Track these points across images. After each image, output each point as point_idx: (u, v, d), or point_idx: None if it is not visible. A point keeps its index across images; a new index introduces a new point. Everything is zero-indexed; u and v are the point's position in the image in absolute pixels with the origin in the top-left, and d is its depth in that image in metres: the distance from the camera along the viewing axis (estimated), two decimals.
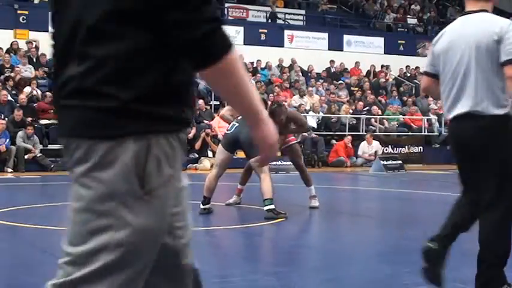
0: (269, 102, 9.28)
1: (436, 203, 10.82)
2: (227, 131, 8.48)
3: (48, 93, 18.43)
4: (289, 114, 9.17)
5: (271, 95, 22.10)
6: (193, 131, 18.53)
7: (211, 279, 5.04)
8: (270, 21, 27.84)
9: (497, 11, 26.96)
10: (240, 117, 8.06)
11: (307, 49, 26.98)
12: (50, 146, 17.50)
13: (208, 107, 20.92)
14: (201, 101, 20.61)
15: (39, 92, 18.92)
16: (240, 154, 18.80)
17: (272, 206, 8.03)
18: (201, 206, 8.36)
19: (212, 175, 8.50)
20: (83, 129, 1.94)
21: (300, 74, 25.32)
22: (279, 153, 9.34)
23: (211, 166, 17.78)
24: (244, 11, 27.37)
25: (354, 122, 22.01)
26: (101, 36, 1.87)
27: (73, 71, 1.91)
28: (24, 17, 22.82)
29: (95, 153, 1.92)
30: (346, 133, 21.02)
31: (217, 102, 21.88)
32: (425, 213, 9.16)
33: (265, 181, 8.18)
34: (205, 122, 19.39)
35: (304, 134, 20.18)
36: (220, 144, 8.63)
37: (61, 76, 1.96)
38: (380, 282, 5.09)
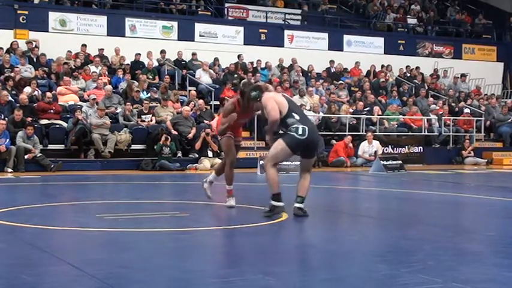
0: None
1: (436, 203, 10.83)
2: (299, 135, 8.24)
3: (48, 93, 18.44)
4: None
5: None
6: (193, 131, 18.54)
7: (211, 279, 5.05)
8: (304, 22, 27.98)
9: (496, 11, 27.06)
10: (299, 119, 8.21)
11: (307, 49, 26.98)
12: (50, 146, 17.52)
13: (209, 107, 20.92)
14: (201, 101, 20.63)
15: (39, 92, 18.92)
16: (241, 154, 18.82)
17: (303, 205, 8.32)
18: (278, 204, 8.27)
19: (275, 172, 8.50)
20: None
21: (300, 74, 25.32)
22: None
23: (212, 166, 17.83)
24: (244, 11, 27.35)
25: (354, 122, 22.01)
26: None
27: None
28: (24, 17, 22.82)
29: None
30: (346, 133, 21.02)
31: (217, 102, 21.88)
32: (425, 214, 9.16)
33: (308, 180, 8.58)
34: (206, 122, 19.39)
35: None
36: (286, 145, 8.30)
37: None
38: (379, 282, 5.09)
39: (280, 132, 8.37)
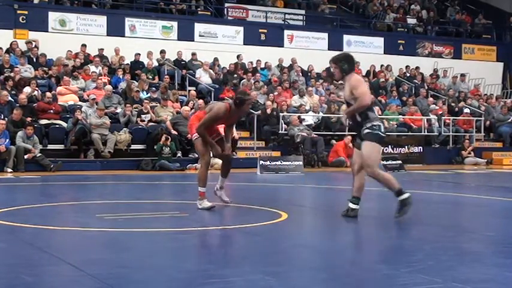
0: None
1: (436, 203, 10.82)
2: (383, 133, 8.11)
3: (47, 93, 18.45)
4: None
5: (271, 94, 22.12)
6: None
7: (211, 279, 5.04)
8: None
9: (496, 11, 27.08)
10: (376, 115, 8.18)
11: (307, 49, 26.99)
12: (50, 146, 17.52)
13: None
14: (200, 101, 20.62)
15: (39, 92, 18.92)
16: (241, 154, 18.83)
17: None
18: (405, 196, 8.09)
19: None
20: None
21: (300, 74, 25.32)
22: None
23: (211, 166, 17.76)
24: (244, 11, 27.36)
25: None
26: None
27: None
28: (24, 17, 22.82)
29: None
30: (346, 133, 21.00)
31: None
32: (425, 214, 9.15)
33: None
34: None
35: (304, 134, 20.22)
36: (379, 145, 8.12)
37: None
38: (379, 282, 5.09)
39: (358, 120, 8.07)
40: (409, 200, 8.00)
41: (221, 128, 9.33)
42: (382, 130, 8.08)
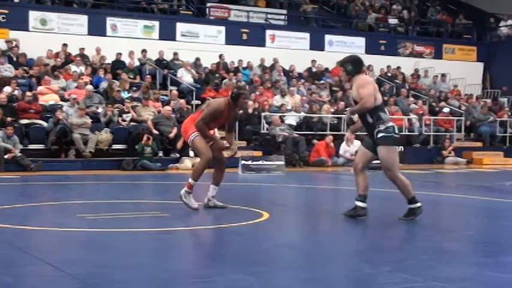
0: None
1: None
2: (397, 135, 8.11)
3: (28, 93, 18.34)
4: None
5: (253, 94, 22.12)
6: (174, 130, 18.50)
7: (193, 279, 5.04)
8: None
9: (476, 11, 27.20)
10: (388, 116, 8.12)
11: (289, 49, 26.99)
12: (30, 146, 17.42)
13: (190, 107, 20.88)
14: (182, 101, 20.59)
15: (20, 92, 18.80)
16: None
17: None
18: (416, 205, 8.18)
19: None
20: None
21: (282, 73, 25.34)
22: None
23: (193, 165, 17.79)
24: (226, 10, 27.34)
25: (335, 121, 22.07)
26: None
27: None
28: (4, 16, 22.67)
29: None
30: (328, 133, 21.07)
31: (199, 102, 21.84)
32: (403, 212, 9.18)
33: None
34: None
35: (285, 133, 20.24)
36: (395, 148, 8.22)
37: None
38: (360, 281, 5.11)
39: (370, 121, 8.02)
40: (419, 211, 8.14)
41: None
42: (396, 131, 8.11)
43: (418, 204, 8.15)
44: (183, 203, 8.76)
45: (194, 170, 8.91)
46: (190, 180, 8.77)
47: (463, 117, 24.82)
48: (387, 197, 10.70)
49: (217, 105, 8.78)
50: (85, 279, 4.87)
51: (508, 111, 26.73)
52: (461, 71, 29.73)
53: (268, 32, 27.16)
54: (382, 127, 7.91)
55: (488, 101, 28.14)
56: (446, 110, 24.89)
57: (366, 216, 8.18)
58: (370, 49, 28.82)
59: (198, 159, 17.63)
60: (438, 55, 30.60)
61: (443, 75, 28.82)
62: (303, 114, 22.16)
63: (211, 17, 27.04)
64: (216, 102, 8.93)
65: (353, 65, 8.20)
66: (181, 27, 25.51)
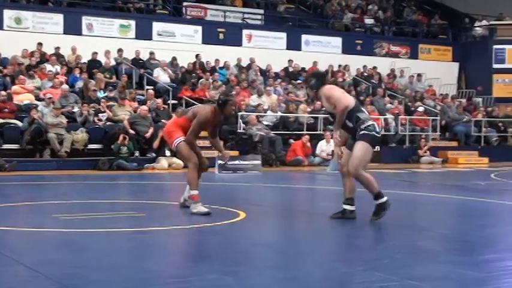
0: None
1: (392, 202, 10.91)
2: (377, 133, 8.00)
3: (2, 92, 18.18)
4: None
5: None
6: (151, 130, 18.45)
7: (169, 279, 5.03)
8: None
9: (452, 11, 27.40)
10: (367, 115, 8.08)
11: (266, 48, 27.02)
12: (5, 146, 17.28)
13: (166, 106, 20.82)
14: (159, 100, 20.52)
15: None
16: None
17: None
18: (382, 200, 8.00)
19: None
20: None
21: (258, 73, 25.36)
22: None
23: (169, 165, 17.77)
24: (203, 10, 27.30)
25: (312, 121, 22.12)
26: None
27: None
28: None
29: None
30: (304, 132, 21.11)
31: (175, 102, 21.80)
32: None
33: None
34: (163, 121, 19.27)
35: (262, 133, 20.26)
36: (370, 146, 7.93)
37: None
38: (336, 280, 5.13)
39: (350, 125, 7.92)
40: (386, 205, 7.98)
41: None
42: (377, 130, 8.04)
43: (385, 199, 7.99)
44: (194, 214, 8.45)
45: (189, 181, 8.64)
46: (191, 192, 8.60)
47: (438, 117, 24.99)
48: (363, 196, 10.74)
49: (205, 116, 8.56)
50: (60, 280, 4.84)
51: (482, 111, 26.95)
52: (436, 71, 29.94)
53: (245, 32, 27.16)
54: (362, 126, 7.88)
55: (464, 100, 28.38)
56: (421, 109, 25.04)
57: (355, 219, 8.15)
58: (347, 49, 28.96)
59: (174, 159, 17.75)
60: (414, 55, 30.80)
61: (419, 75, 29.01)
62: (279, 114, 22.19)
63: (187, 17, 26.98)
64: (203, 113, 8.61)
65: (315, 79, 8.20)
66: (157, 26, 25.44)
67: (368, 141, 7.88)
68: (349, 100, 7.96)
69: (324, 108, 21.31)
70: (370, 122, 7.96)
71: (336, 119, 7.95)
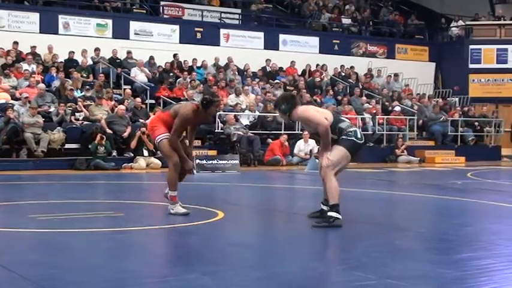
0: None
1: (370, 201, 10.98)
2: (358, 139, 7.83)
3: None
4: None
5: None
6: (128, 129, 18.38)
7: (147, 279, 5.01)
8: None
9: (428, 11, 27.63)
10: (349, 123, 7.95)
11: (243, 48, 27.03)
12: None
13: (144, 106, 20.75)
14: (138, 99, 20.45)
15: None
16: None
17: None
18: (338, 216, 7.60)
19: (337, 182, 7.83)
20: None
21: (236, 73, 25.35)
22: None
23: (147, 165, 17.72)
24: (180, 9, 27.23)
25: (290, 121, 22.11)
26: None
27: None
28: None
29: None
30: (282, 132, 21.14)
31: (153, 101, 21.74)
32: (358, 211, 9.26)
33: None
34: (141, 120, 19.22)
35: (240, 133, 20.27)
36: (347, 151, 7.74)
37: None
38: (314, 279, 5.13)
39: (334, 137, 7.76)
40: (339, 222, 7.53)
41: None
42: (359, 136, 7.86)
43: (339, 216, 7.54)
44: (172, 215, 8.32)
45: (168, 181, 8.46)
46: (170, 193, 8.42)
47: (415, 117, 25.13)
48: (343, 196, 10.80)
49: (186, 114, 8.27)
50: (38, 281, 4.80)
51: (459, 110, 27.15)
52: (413, 70, 30.12)
53: (223, 31, 27.15)
54: (344, 133, 7.78)
55: (440, 100, 28.57)
56: (397, 108, 25.16)
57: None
58: (324, 49, 29.04)
59: (152, 159, 17.70)
60: (391, 55, 30.96)
61: (396, 74, 29.17)
62: (257, 113, 22.20)
63: (165, 16, 26.90)
64: (184, 111, 8.30)
65: (285, 103, 7.93)
66: (134, 25, 25.35)
67: (345, 146, 7.75)
68: (327, 116, 7.78)
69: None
70: (352, 129, 7.85)
71: (322, 147, 7.81)
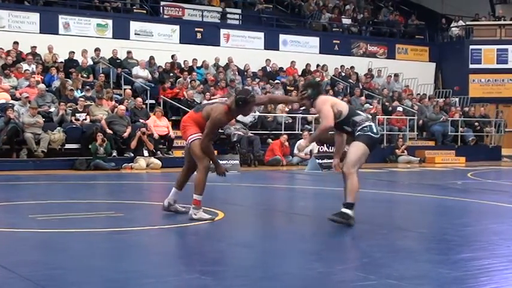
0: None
1: (371, 201, 10.96)
2: (375, 134, 7.87)
3: None
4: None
5: (207, 93, 22.08)
6: (128, 129, 18.37)
7: (147, 279, 5.00)
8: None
9: (429, 12, 27.65)
10: (364, 116, 7.97)
11: (243, 48, 27.03)
12: None
13: (144, 106, 20.73)
14: (139, 99, 20.44)
15: None
16: (177, 153, 18.61)
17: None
18: (352, 214, 7.67)
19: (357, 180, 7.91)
20: None
21: (236, 73, 25.34)
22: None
23: (147, 165, 17.71)
24: (180, 9, 27.23)
25: (290, 121, 22.15)
26: None
27: None
28: None
29: None
30: (282, 132, 21.14)
31: (153, 101, 21.73)
32: (359, 211, 9.24)
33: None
34: (141, 121, 19.22)
35: (240, 133, 20.27)
36: (366, 147, 7.77)
37: None
38: (315, 280, 5.13)
39: (349, 130, 7.87)
40: (349, 221, 7.66)
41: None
42: (375, 131, 7.90)
43: (353, 215, 7.69)
44: (195, 220, 8.01)
45: (197, 184, 8.10)
46: (195, 196, 8.07)
47: (415, 117, 25.12)
48: (339, 196, 10.80)
49: (219, 120, 8.02)
50: (37, 281, 4.80)
51: (459, 110, 27.14)
52: (413, 71, 30.11)
53: (223, 32, 27.14)
54: (358, 128, 7.84)
55: (441, 100, 28.56)
56: (399, 109, 25.17)
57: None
58: (324, 49, 29.03)
59: (152, 159, 17.69)
60: (391, 55, 30.95)
61: (396, 75, 29.16)
62: (257, 113, 22.19)
63: (165, 16, 26.89)
64: (216, 115, 7.97)
65: (311, 89, 8.04)
66: (135, 25, 25.34)
67: (363, 141, 7.81)
68: (344, 110, 7.85)
69: (302, 108, 21.35)
70: (367, 123, 7.89)
71: (312, 134, 7.89)
